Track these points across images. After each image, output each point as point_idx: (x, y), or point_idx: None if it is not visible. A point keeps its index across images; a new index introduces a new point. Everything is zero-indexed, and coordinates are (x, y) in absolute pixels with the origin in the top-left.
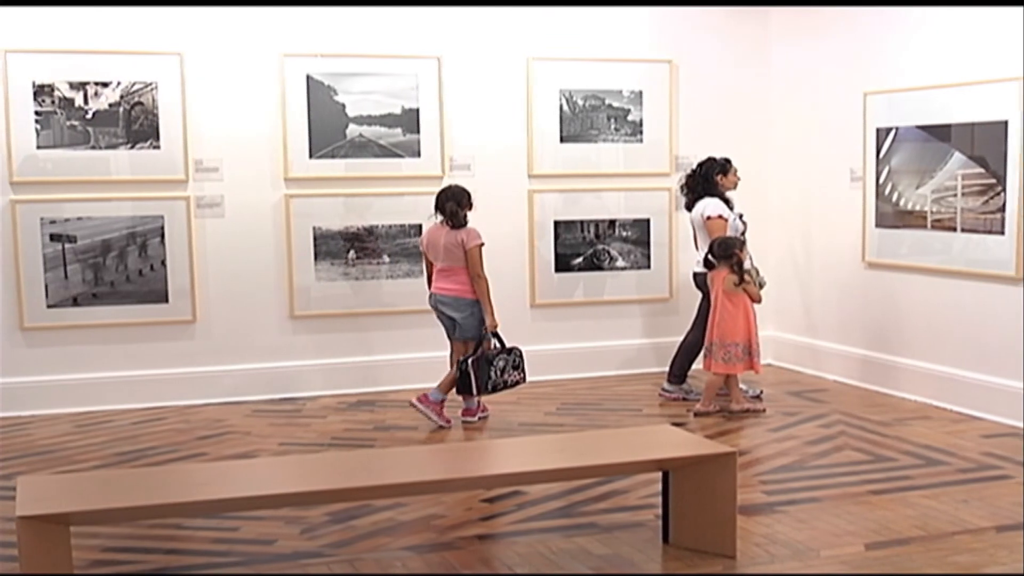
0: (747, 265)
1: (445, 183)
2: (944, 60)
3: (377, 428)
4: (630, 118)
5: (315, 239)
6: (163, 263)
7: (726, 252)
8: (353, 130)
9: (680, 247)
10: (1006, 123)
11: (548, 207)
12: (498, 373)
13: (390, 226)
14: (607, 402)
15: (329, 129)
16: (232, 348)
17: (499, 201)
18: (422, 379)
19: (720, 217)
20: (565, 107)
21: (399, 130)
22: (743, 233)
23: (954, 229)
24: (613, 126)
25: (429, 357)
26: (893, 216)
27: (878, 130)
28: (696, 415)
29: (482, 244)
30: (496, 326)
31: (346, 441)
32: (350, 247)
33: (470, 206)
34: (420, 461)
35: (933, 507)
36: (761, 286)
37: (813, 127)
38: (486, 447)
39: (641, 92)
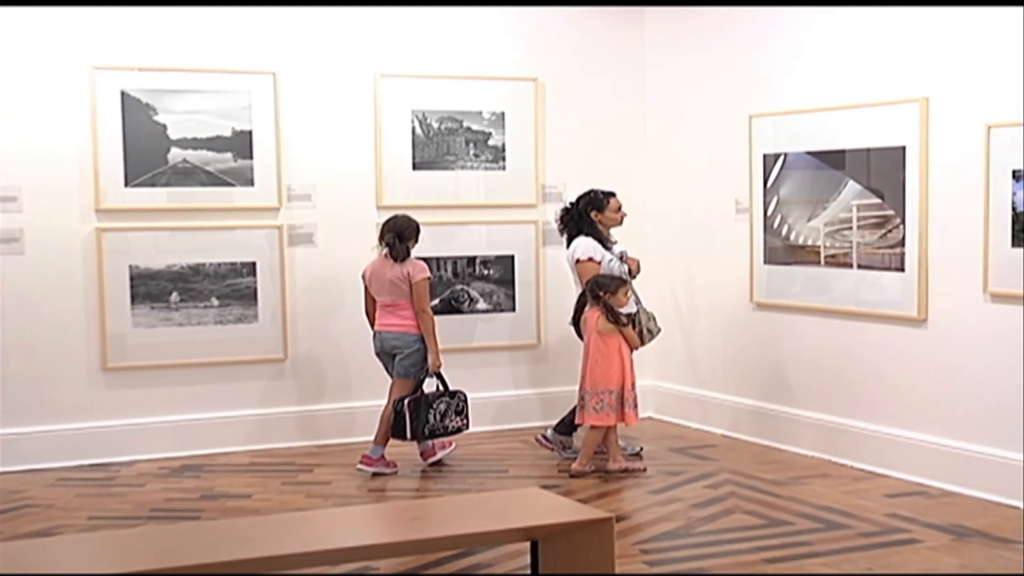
0: (631, 309)
1: (282, 215)
2: (836, 79)
3: (204, 497)
4: (491, 142)
5: (132, 279)
6: None
7: (594, 292)
8: (176, 155)
9: (549, 287)
10: (904, 149)
11: None
12: (437, 417)
13: (219, 264)
14: (468, 462)
15: (148, 153)
16: (32, 407)
17: (344, 236)
18: (259, 439)
19: (590, 260)
20: (418, 130)
21: (229, 155)
22: (631, 274)
23: (850, 265)
24: (472, 151)
25: (268, 414)
26: (783, 251)
27: (765, 156)
28: (571, 476)
29: (429, 278)
30: (440, 366)
31: (168, 513)
32: (173, 288)
33: (415, 239)
34: (253, 534)
35: None
36: (652, 333)
37: (693, 153)
38: (329, 516)
39: (503, 113)
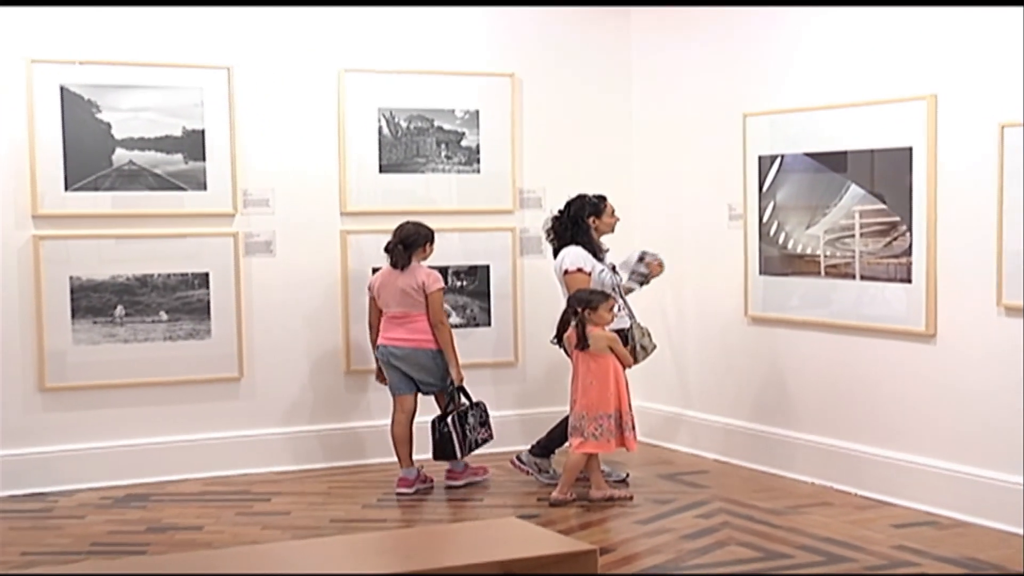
0: (624, 323)
1: (238, 222)
2: (838, 75)
3: (151, 529)
4: (464, 143)
5: (73, 292)
6: None
7: (573, 308)
8: (121, 156)
9: (527, 300)
10: (910, 150)
11: (366, 251)
12: (471, 430)
13: (168, 275)
14: (439, 490)
15: (90, 155)
16: None
17: (305, 245)
18: (211, 466)
19: (580, 271)
20: (385, 129)
21: (180, 156)
22: (647, 280)
23: (852, 276)
24: (444, 153)
25: (221, 438)
26: (780, 261)
27: (760, 158)
28: (551, 504)
29: (443, 288)
30: (462, 379)
31: (111, 547)
32: (118, 302)
33: (424, 247)
34: (204, 570)
35: None
36: (645, 350)
37: (683, 155)
38: (288, 550)
39: (477, 112)
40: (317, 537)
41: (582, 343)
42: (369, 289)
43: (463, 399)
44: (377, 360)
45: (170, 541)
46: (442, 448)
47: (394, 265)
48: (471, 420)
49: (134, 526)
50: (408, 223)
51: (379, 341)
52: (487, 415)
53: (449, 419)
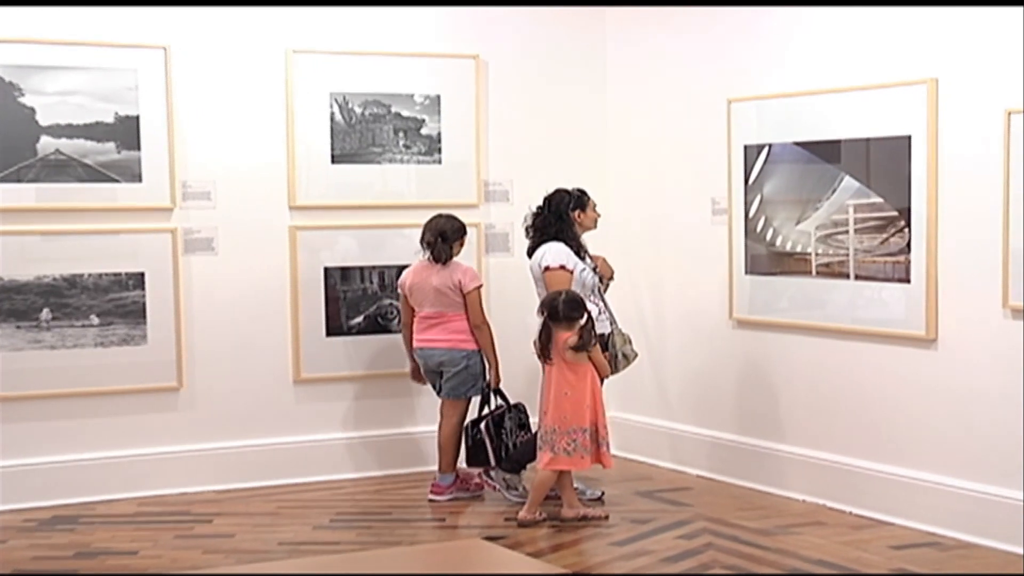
0: (604, 328)
1: (176, 217)
2: (830, 58)
3: (80, 554)
4: (424, 131)
5: None
6: None
7: (571, 313)
8: (47, 144)
9: (492, 302)
10: (909, 139)
11: (316, 249)
12: (508, 435)
13: (100, 275)
14: (398, 510)
15: (12, 143)
16: None
17: (250, 242)
18: (147, 484)
19: (562, 268)
20: (338, 116)
21: (112, 145)
22: (605, 287)
23: (846, 276)
24: (402, 142)
25: (158, 453)
26: (768, 260)
27: (746, 148)
28: (520, 525)
29: (482, 286)
30: (499, 381)
31: (35, 574)
32: (44, 304)
33: (461, 240)
34: None
35: None
36: (627, 359)
37: (663, 144)
38: None
39: (439, 97)
40: (264, 561)
41: (584, 348)
42: (400, 287)
43: (500, 401)
44: (413, 360)
45: (101, 567)
46: (475, 454)
47: (436, 259)
48: (508, 423)
49: (61, 551)
50: (439, 216)
51: (416, 344)
52: (527, 416)
53: (483, 424)
